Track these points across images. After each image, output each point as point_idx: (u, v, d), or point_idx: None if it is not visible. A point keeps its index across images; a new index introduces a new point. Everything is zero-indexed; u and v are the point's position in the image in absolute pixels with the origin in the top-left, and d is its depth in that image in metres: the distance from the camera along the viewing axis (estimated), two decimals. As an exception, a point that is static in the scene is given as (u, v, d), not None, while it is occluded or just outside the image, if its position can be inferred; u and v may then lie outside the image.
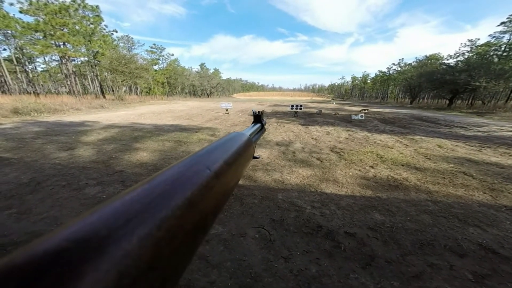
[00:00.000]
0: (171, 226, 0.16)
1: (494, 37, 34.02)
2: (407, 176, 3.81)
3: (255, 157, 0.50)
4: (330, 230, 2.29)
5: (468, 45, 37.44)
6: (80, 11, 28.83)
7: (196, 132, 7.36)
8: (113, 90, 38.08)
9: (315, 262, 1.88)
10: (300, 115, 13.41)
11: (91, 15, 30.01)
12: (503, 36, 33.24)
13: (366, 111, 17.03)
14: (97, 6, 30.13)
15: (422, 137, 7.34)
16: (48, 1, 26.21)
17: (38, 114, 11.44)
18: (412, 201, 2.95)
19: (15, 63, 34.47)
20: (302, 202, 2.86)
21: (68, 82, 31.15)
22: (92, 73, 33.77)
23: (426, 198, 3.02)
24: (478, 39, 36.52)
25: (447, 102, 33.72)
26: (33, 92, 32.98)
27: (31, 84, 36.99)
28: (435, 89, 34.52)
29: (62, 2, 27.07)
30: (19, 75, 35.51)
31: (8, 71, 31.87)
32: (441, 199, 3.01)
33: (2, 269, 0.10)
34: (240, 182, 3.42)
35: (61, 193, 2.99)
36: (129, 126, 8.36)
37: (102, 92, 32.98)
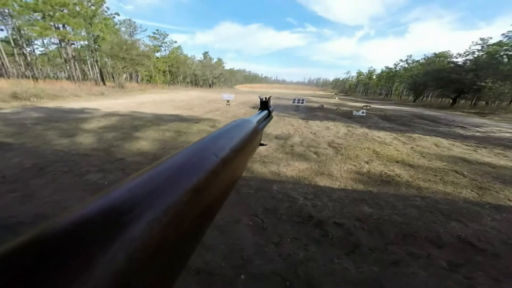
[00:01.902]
0: (178, 211, 0.17)
1: (507, 36, 32.95)
2: (400, 173, 3.95)
3: (262, 144, 0.50)
4: (320, 220, 2.45)
5: (479, 44, 36.27)
6: None
7: (196, 123, 7.47)
8: (113, 77, 37.81)
9: (303, 248, 2.04)
10: (302, 109, 13.47)
11: None
12: None
13: (368, 107, 17.07)
14: None
15: (421, 135, 7.46)
16: None
17: (37, 100, 11.50)
18: (401, 196, 3.10)
19: (13, 45, 34.04)
20: (296, 194, 3.01)
21: (68, 67, 30.91)
22: (92, 59, 33.28)
23: (415, 194, 3.17)
24: (491, 38, 34.99)
25: (451, 101, 33.58)
26: (32, 76, 32.80)
27: (29, 68, 36.66)
28: (440, 88, 34.25)
29: None
30: (16, 58, 35.03)
31: (6, 54, 31.54)
32: (430, 195, 3.16)
33: (12, 251, 0.11)
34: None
35: (63, 179, 3.13)
36: (130, 114, 8.46)
37: (102, 79, 32.76)
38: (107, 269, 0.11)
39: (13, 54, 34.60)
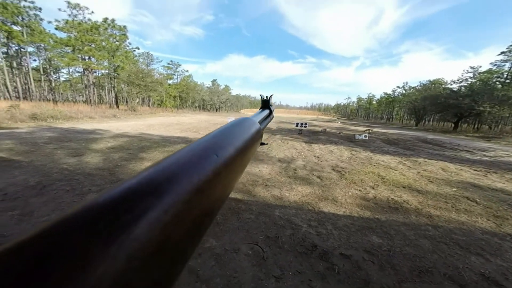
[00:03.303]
0: (179, 210, 0.16)
1: (495, 65, 34.87)
2: (408, 199, 3.69)
3: (263, 143, 0.48)
4: (325, 250, 2.21)
5: (470, 72, 37.84)
6: (109, 30, 31.10)
7: (201, 144, 7.42)
8: (127, 101, 39.32)
9: (307, 283, 1.80)
10: (305, 133, 13.42)
11: (118, 34, 32.17)
12: (504, 65, 34.22)
13: (370, 131, 16.92)
14: (124, 26, 32.50)
15: (426, 160, 7.19)
16: (82, 21, 28.46)
17: (54, 120, 11.85)
18: (411, 224, 2.83)
19: (41, 72, 36.48)
20: (299, 220, 2.79)
21: (87, 92, 32.56)
22: (110, 85, 35.33)
23: (427, 222, 2.90)
24: (480, 67, 37.17)
25: (453, 125, 33.27)
26: (52, 99, 34.47)
27: (51, 92, 38.73)
28: (439, 112, 34.29)
29: (95, 21, 29.28)
30: (42, 84, 37.32)
31: (33, 79, 33.66)
32: (442, 224, 2.89)
33: (12, 250, 0.11)
34: (238, 196, 3.38)
35: (64, 198, 3.02)
36: (138, 136, 8.53)
37: (117, 103, 34.18)
38: (107, 269, 0.11)
39: (40, 80, 36.91)
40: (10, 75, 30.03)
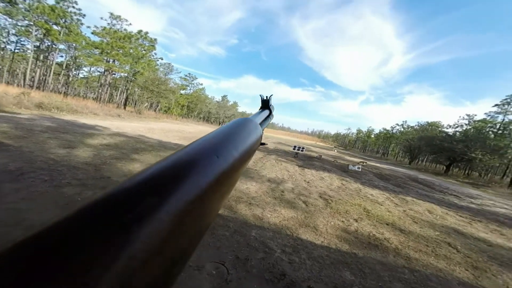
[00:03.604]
0: (180, 210, 0.16)
1: (489, 115, 36.10)
2: (390, 237, 3.55)
3: (262, 144, 0.48)
4: (293, 281, 2.06)
5: (466, 119, 38.98)
6: (140, 40, 32.43)
7: (195, 153, 7.33)
8: (135, 104, 39.71)
9: (267, 315, 1.64)
10: (300, 157, 13.37)
11: (147, 44, 33.51)
12: (498, 116, 35.37)
13: (364, 163, 16.88)
14: (155, 39, 33.99)
15: (414, 199, 7.07)
16: (118, 30, 29.85)
17: (58, 112, 11.85)
18: (388, 264, 2.68)
19: (64, 68, 37.39)
20: (274, 244, 2.65)
21: (100, 90, 33.07)
22: (124, 87, 35.87)
23: (404, 265, 2.75)
24: (475, 115, 38.43)
25: (445, 168, 33.39)
26: (64, 92, 34.83)
27: (66, 85, 39.30)
28: (433, 153, 34.65)
29: (129, 32, 30.70)
30: (60, 77, 37.99)
31: (53, 73, 34.37)
32: (420, 268, 2.73)
33: (12, 250, 0.10)
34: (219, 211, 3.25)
35: (39, 187, 2.89)
36: (136, 137, 8.47)
37: (125, 104, 34.49)
38: (107, 269, 0.11)
39: (59, 74, 37.68)
40: (33, 65, 30.70)
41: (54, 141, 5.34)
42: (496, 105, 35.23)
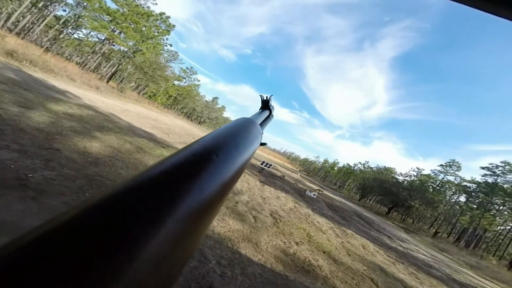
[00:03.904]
0: (179, 210, 0.16)
1: (434, 172, 41.66)
2: (323, 265, 3.63)
3: (263, 144, 0.46)
4: (218, 296, 1.95)
5: (415, 171, 43.98)
6: (158, 22, 30.11)
7: (163, 147, 6.95)
8: (122, 81, 36.88)
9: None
10: (265, 173, 13.44)
11: (163, 28, 31.17)
12: (440, 175, 40.79)
13: (320, 191, 17.60)
14: (174, 26, 31.89)
15: (354, 233, 7.46)
16: (140, 5, 27.59)
17: (30, 66, 10.50)
18: (313, 292, 2.71)
19: (60, 23, 33.35)
20: (211, 254, 2.52)
21: (89, 57, 30.04)
22: (118, 60, 32.79)
23: (327, 295, 2.80)
24: (423, 170, 43.92)
25: (386, 210, 36.37)
26: (46, 48, 31.13)
27: (52, 41, 35.10)
28: (382, 195, 37.78)
29: (151, 10, 28.45)
30: (50, 31, 33.77)
31: (46, 24, 30.44)
32: (340, 300, 2.81)
33: (13, 250, 0.10)
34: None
35: (-35, 144, 2.43)
36: (106, 115, 7.79)
37: (110, 78, 31.80)
38: (108, 269, 0.11)
39: (51, 27, 33.53)
40: (25, 9, 26.94)
41: (10, 95, 4.65)
42: (440, 165, 40.84)
